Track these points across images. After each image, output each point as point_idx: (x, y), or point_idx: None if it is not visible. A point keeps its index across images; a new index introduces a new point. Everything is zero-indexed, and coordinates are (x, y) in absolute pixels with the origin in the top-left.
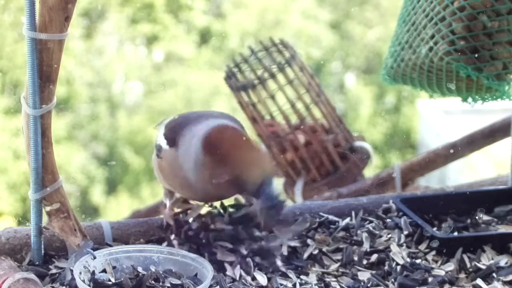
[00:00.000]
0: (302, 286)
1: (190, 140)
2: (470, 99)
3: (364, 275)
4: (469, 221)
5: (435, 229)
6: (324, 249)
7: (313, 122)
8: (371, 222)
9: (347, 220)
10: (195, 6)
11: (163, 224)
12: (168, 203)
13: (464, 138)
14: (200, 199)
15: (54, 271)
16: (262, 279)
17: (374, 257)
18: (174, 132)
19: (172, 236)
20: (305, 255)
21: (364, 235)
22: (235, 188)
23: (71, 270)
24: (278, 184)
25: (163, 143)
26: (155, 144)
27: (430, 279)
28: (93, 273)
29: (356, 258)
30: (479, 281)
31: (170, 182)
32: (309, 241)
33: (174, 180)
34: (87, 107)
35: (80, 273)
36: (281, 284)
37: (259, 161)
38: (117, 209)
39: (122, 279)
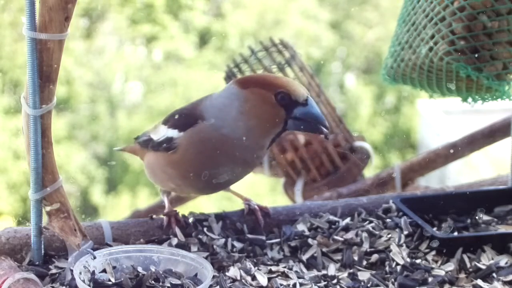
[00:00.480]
0: (302, 286)
1: (219, 101)
2: (470, 99)
3: (364, 275)
4: (469, 221)
5: (435, 229)
6: (324, 249)
7: None
8: (371, 222)
9: (347, 220)
10: (195, 6)
11: (163, 224)
12: (166, 202)
13: (464, 138)
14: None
15: (54, 271)
16: (262, 279)
17: (374, 257)
18: (185, 116)
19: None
20: (306, 256)
21: (364, 235)
22: (285, 106)
23: (71, 270)
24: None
25: (173, 133)
26: (157, 143)
27: (430, 279)
28: (93, 273)
29: (356, 258)
30: (479, 281)
31: (186, 170)
32: (310, 241)
33: (197, 161)
34: (87, 107)
35: (80, 273)
36: (281, 284)
37: (295, 80)
38: (117, 209)
39: (122, 279)
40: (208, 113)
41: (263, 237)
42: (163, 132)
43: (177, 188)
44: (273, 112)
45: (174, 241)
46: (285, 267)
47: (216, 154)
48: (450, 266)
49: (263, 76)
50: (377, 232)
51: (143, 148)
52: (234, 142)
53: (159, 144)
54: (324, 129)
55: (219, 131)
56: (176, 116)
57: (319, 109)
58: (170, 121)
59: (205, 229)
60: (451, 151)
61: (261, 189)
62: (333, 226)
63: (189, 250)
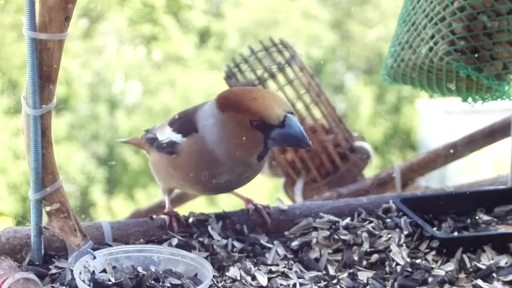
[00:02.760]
0: (302, 286)
1: (206, 117)
2: (470, 99)
3: (364, 275)
4: (469, 221)
5: (435, 229)
6: (325, 249)
7: (313, 122)
8: (371, 222)
9: (347, 220)
10: (195, 6)
11: (164, 223)
12: (167, 201)
13: (464, 138)
14: (223, 187)
15: (54, 271)
16: (262, 279)
17: (374, 257)
18: (188, 122)
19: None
20: (306, 256)
21: (364, 235)
22: (262, 130)
23: (71, 270)
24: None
25: (177, 137)
26: (160, 144)
27: (430, 279)
28: (93, 273)
29: (356, 258)
30: (479, 281)
31: (187, 176)
32: (310, 241)
33: (195, 170)
34: (87, 107)
35: (80, 273)
36: (281, 284)
37: (275, 97)
38: (117, 209)
39: (122, 279)
40: (199, 125)
41: (264, 237)
42: (167, 134)
43: (179, 187)
44: (250, 136)
45: (174, 241)
46: (285, 267)
47: (209, 165)
48: (450, 266)
49: (239, 99)
50: (377, 232)
51: (149, 145)
52: (221, 158)
53: (162, 146)
54: (307, 145)
55: (207, 145)
56: (181, 120)
57: (299, 127)
58: (175, 124)
59: (205, 229)
60: (451, 151)
61: (261, 189)
62: (333, 226)
63: (189, 250)
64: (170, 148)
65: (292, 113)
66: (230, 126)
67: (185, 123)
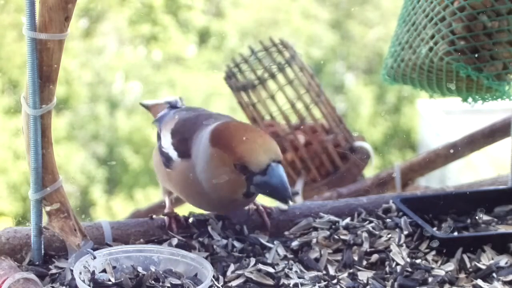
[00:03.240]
0: (303, 286)
1: (200, 146)
2: (470, 99)
3: (364, 275)
4: (469, 221)
5: (435, 229)
6: (325, 249)
7: (313, 122)
8: (371, 222)
9: (347, 220)
10: (194, 6)
11: (164, 223)
12: (167, 202)
13: (464, 138)
14: (212, 209)
15: (54, 271)
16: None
17: (374, 257)
18: (184, 142)
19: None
20: (306, 256)
21: (364, 235)
22: (245, 174)
23: (71, 270)
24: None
25: (173, 154)
26: (161, 150)
27: (430, 279)
28: (93, 273)
29: (356, 258)
30: (479, 281)
31: (180, 192)
32: (310, 241)
33: (185, 191)
34: (87, 107)
35: (80, 273)
36: (282, 284)
37: (265, 142)
38: (117, 209)
39: (122, 279)
40: (193, 151)
41: (264, 237)
42: (167, 144)
43: (173, 191)
44: (233, 177)
45: (174, 241)
46: (285, 267)
47: (196, 194)
48: (450, 266)
49: (229, 138)
50: (377, 232)
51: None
52: (207, 190)
53: (162, 152)
54: (287, 199)
55: (196, 174)
56: (180, 137)
57: (281, 179)
58: (175, 137)
59: (205, 229)
60: (451, 151)
61: None
62: (333, 226)
63: (189, 250)
64: (166, 161)
65: (279, 161)
66: (215, 163)
67: (183, 142)
